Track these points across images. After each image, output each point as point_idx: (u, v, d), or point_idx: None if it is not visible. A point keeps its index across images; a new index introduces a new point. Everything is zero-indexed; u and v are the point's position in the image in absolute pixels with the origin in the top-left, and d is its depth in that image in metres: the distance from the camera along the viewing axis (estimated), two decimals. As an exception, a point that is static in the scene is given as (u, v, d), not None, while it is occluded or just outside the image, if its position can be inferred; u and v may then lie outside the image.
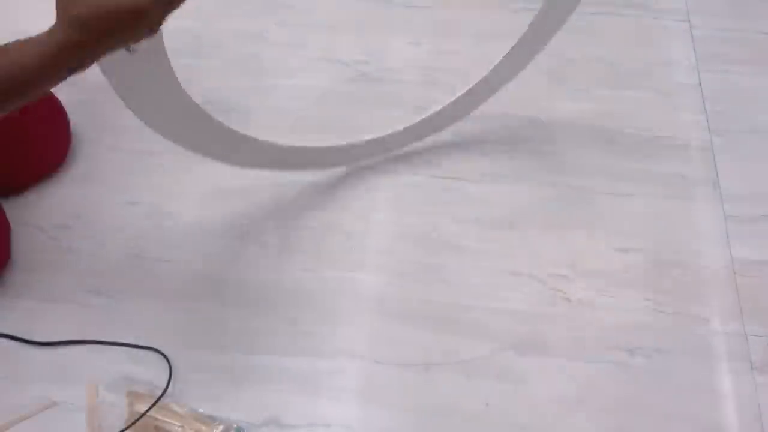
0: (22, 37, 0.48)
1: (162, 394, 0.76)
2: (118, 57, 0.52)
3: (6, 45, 0.49)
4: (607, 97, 1.04)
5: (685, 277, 0.85)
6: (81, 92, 0.98)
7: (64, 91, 0.98)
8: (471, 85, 0.92)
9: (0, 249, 0.87)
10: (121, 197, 0.96)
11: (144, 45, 0.53)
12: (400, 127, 0.92)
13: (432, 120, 0.93)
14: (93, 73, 0.99)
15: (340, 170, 0.97)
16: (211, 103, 1.04)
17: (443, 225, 0.91)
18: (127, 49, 0.52)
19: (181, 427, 0.74)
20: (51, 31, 0.47)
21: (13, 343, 0.82)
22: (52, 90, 0.96)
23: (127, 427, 0.74)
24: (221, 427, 0.74)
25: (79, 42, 0.45)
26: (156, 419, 0.75)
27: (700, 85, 1.05)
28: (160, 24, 0.51)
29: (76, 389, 0.79)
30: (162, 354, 0.80)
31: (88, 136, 1.01)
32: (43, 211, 0.94)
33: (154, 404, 0.74)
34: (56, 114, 0.97)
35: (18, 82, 0.49)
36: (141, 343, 0.81)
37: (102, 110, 1.04)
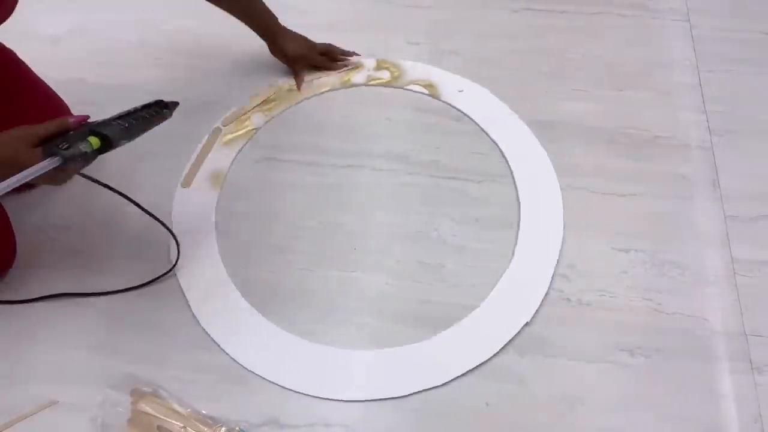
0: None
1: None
2: None
3: None
4: (607, 97, 1.04)
5: (685, 277, 0.86)
6: (83, 94, 0.99)
7: (67, 93, 0.98)
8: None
9: (4, 253, 0.87)
10: (122, 198, 0.96)
11: None
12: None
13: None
14: (95, 75, 0.99)
15: (340, 170, 0.97)
16: (211, 103, 1.06)
17: (443, 225, 0.91)
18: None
19: (184, 427, 0.74)
20: None
21: (13, 343, 0.82)
22: (55, 91, 0.97)
23: None
24: (223, 429, 0.74)
25: None
26: (159, 419, 0.75)
27: (700, 85, 1.05)
28: None
29: (76, 389, 0.79)
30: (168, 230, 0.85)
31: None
32: (44, 212, 0.94)
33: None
34: (60, 115, 0.97)
35: None
36: (144, 343, 0.81)
37: (104, 112, 1.03)
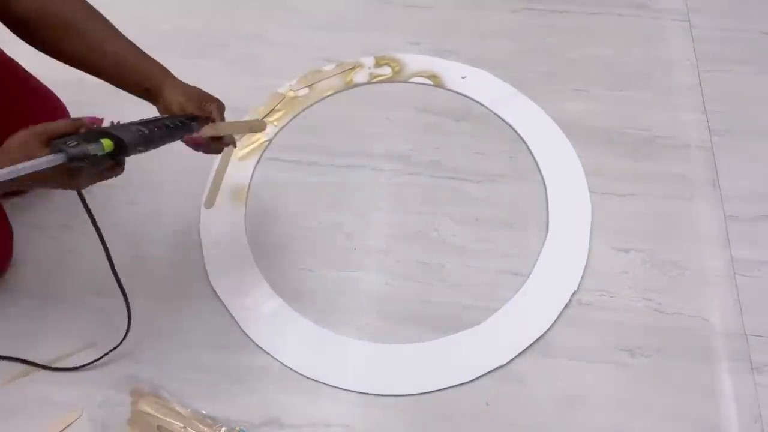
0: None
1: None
2: None
3: None
4: (607, 97, 1.04)
5: (685, 277, 0.86)
6: (82, 94, 0.98)
7: (66, 93, 0.98)
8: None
9: (1, 253, 0.87)
10: (122, 197, 0.96)
11: None
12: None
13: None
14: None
15: (340, 170, 0.97)
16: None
17: (443, 225, 0.91)
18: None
19: (184, 427, 0.74)
20: None
21: (16, 343, 0.82)
22: (53, 91, 0.97)
23: None
24: (223, 429, 0.74)
25: None
26: (159, 419, 0.75)
27: (700, 85, 1.05)
28: None
29: (77, 389, 0.79)
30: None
31: (89, 136, 1.01)
32: (44, 211, 0.94)
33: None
34: (59, 116, 0.97)
35: None
36: (145, 343, 0.81)
37: (103, 112, 1.03)
